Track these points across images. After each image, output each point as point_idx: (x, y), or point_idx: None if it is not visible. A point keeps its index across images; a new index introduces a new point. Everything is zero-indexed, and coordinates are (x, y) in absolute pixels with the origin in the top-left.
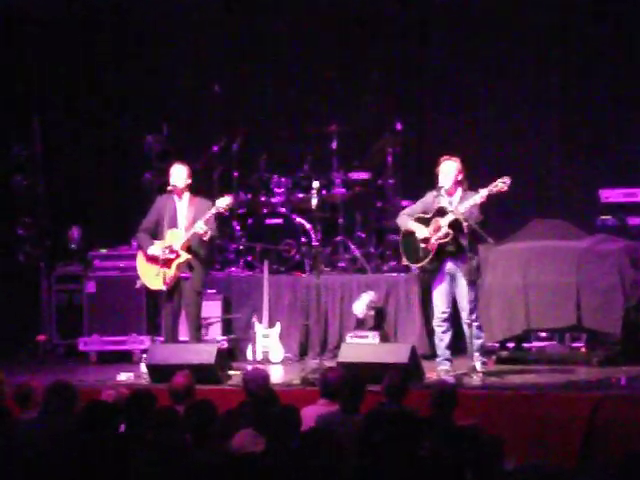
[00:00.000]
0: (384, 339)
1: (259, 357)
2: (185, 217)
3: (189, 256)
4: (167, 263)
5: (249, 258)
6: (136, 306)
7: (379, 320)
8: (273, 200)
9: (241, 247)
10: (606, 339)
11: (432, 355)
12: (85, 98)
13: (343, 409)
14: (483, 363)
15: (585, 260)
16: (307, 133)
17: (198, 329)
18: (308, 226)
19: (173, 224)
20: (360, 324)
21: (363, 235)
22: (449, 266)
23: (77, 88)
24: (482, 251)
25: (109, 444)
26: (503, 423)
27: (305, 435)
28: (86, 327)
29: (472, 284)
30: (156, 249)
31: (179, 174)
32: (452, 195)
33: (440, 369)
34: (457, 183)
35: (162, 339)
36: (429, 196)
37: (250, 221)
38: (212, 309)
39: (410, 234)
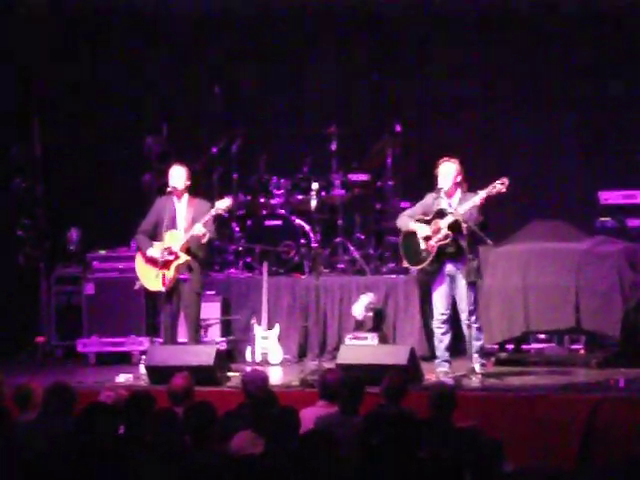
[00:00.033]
0: (383, 341)
1: (258, 358)
2: (184, 218)
3: (188, 258)
4: (166, 264)
5: (248, 259)
6: (135, 307)
7: (378, 322)
8: (272, 201)
9: (240, 248)
10: (605, 341)
11: (431, 357)
12: (85, 98)
13: (342, 411)
14: (482, 365)
15: (584, 262)
16: (306, 134)
17: (197, 330)
18: (307, 227)
19: (172, 225)
20: (359, 326)
21: (362, 237)
22: (449, 268)
23: (77, 88)
24: (481, 252)
25: (108, 446)
26: (502, 425)
27: (304, 437)
28: (85, 328)
29: (472, 286)
30: (155, 250)
31: (178, 175)
32: (451, 197)
33: (439, 371)
34: (456, 185)
35: (161, 340)
36: (428, 198)
37: (249, 222)
38: (211, 310)
39: (410, 236)
